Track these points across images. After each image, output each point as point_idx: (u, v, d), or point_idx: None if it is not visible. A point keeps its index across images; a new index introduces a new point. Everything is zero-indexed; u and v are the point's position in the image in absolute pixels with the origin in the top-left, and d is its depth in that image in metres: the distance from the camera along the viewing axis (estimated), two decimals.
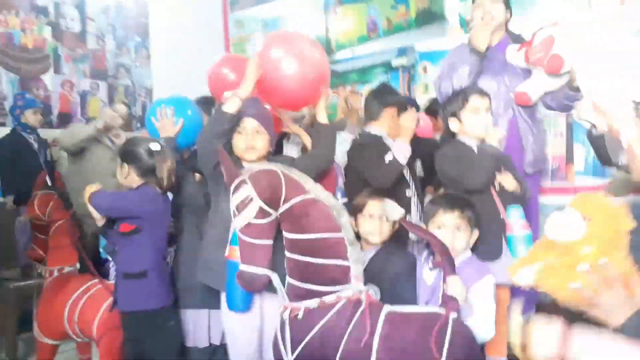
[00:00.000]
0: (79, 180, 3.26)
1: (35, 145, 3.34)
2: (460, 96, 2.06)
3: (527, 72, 2.23)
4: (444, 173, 2.06)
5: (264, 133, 1.81)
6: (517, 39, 2.33)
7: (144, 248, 1.91)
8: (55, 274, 2.38)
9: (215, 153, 1.70)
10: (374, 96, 2.38)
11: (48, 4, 3.85)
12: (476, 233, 1.80)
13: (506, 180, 1.96)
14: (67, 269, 2.39)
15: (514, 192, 1.96)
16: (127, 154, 1.96)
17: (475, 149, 2.01)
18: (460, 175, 1.97)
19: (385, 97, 2.34)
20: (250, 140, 1.77)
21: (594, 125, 1.97)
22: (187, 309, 2.03)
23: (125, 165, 1.96)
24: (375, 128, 2.32)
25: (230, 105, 1.74)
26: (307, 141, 2.13)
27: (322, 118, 1.93)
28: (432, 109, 3.13)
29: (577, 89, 2.09)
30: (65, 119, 3.93)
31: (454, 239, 1.73)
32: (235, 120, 1.75)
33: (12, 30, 3.62)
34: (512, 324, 0.98)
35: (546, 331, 0.92)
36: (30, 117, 3.26)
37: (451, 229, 1.74)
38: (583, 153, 3.73)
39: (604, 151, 2.01)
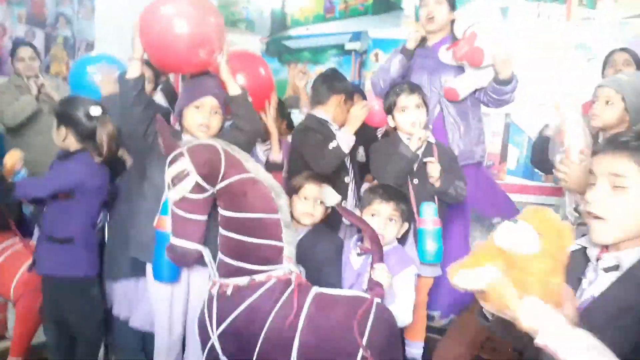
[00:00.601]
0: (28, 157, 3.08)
1: None
2: (390, 95, 2.13)
3: (462, 71, 2.32)
4: (370, 164, 2.19)
5: (220, 114, 1.78)
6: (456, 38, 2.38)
7: (73, 215, 1.83)
8: None
9: (139, 122, 1.69)
10: (322, 81, 2.39)
11: None
12: (406, 226, 1.88)
13: (432, 167, 2.02)
14: None
15: (434, 187, 2.02)
16: (65, 117, 1.84)
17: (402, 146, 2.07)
18: (375, 168, 2.13)
19: (333, 83, 2.36)
20: (207, 118, 1.73)
21: (547, 125, 2.11)
22: (116, 279, 1.97)
23: (63, 128, 1.85)
24: (321, 112, 2.34)
25: (131, 70, 1.71)
26: (275, 145, 2.25)
27: (231, 88, 1.80)
28: None
29: (503, 82, 2.20)
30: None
31: (386, 228, 1.79)
32: (142, 83, 1.71)
33: None
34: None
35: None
36: None
37: (384, 218, 1.80)
38: (516, 153, 3.94)
39: (540, 152, 2.14)
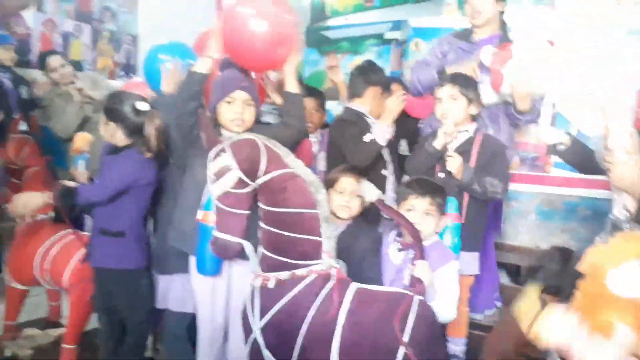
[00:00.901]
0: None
1: (9, 85, 3.22)
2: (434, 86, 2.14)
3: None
4: None
5: (252, 106, 1.79)
6: (507, 38, 2.31)
7: (125, 209, 1.88)
8: (28, 219, 2.36)
9: (190, 115, 1.70)
10: (358, 72, 2.37)
11: None
12: (444, 219, 1.85)
13: (451, 162, 1.97)
14: (40, 217, 2.37)
15: (457, 185, 1.97)
16: (113, 112, 1.87)
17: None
18: (406, 160, 2.15)
19: (369, 76, 2.34)
20: (239, 112, 1.75)
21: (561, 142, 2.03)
22: (162, 274, 1.99)
23: (111, 123, 1.89)
24: (358, 105, 2.33)
25: (201, 65, 1.73)
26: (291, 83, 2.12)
27: (290, 85, 1.83)
28: None
29: (520, 112, 2.17)
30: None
31: (423, 223, 1.76)
32: (206, 81, 1.74)
33: None
34: (525, 304, 0.95)
35: (562, 319, 0.91)
36: (2, 54, 3.11)
37: (421, 213, 1.78)
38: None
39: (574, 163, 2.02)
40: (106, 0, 4.21)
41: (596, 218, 3.65)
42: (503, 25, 2.36)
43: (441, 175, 2.02)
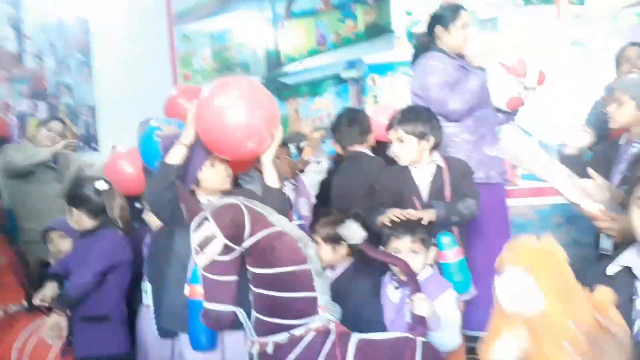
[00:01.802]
0: (26, 204, 3.12)
1: None
2: None
3: None
4: None
5: (227, 161, 1.78)
6: None
7: (107, 291, 1.84)
8: (1, 313, 2.24)
9: (168, 202, 1.67)
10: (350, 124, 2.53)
11: None
12: (433, 249, 1.83)
13: (413, 215, 1.86)
14: (13, 308, 2.25)
15: (439, 224, 1.91)
16: (74, 198, 1.90)
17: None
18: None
19: (363, 125, 2.53)
20: (224, 169, 1.75)
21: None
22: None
23: (74, 210, 1.88)
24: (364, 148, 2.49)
25: (175, 155, 1.68)
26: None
27: (268, 178, 1.77)
28: None
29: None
30: (2, 143, 3.70)
31: (410, 262, 1.72)
32: (181, 171, 1.69)
33: None
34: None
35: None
36: None
37: (406, 253, 1.76)
38: None
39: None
40: (60, 75, 4.18)
41: (570, 223, 3.75)
42: None
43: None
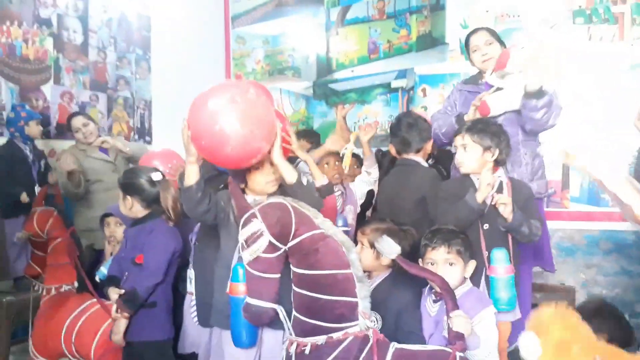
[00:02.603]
0: (90, 199, 3.30)
1: (31, 157, 3.31)
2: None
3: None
4: (438, 204, 2.15)
5: None
6: None
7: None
8: (53, 292, 2.36)
9: (205, 213, 1.72)
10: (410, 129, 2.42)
11: (51, 15, 3.84)
12: (472, 263, 1.81)
13: (503, 206, 1.87)
14: (64, 288, 2.37)
15: (506, 223, 1.91)
16: (129, 186, 1.97)
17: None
18: (440, 211, 2.07)
19: (422, 132, 2.42)
20: (271, 173, 1.77)
21: None
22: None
23: (129, 197, 1.96)
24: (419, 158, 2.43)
25: (190, 176, 1.69)
26: (315, 170, 2.07)
27: (286, 174, 1.72)
28: None
29: (532, 95, 2.14)
30: (63, 130, 3.90)
31: (447, 274, 1.71)
32: (202, 183, 1.70)
33: (15, 41, 3.60)
34: None
35: None
36: (34, 128, 3.24)
37: (442, 264, 1.75)
38: (579, 179, 3.79)
39: None
40: (120, 69, 4.36)
41: (619, 251, 3.60)
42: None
43: (486, 226, 1.96)
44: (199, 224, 2.06)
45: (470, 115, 2.31)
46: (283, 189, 1.81)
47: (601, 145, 3.58)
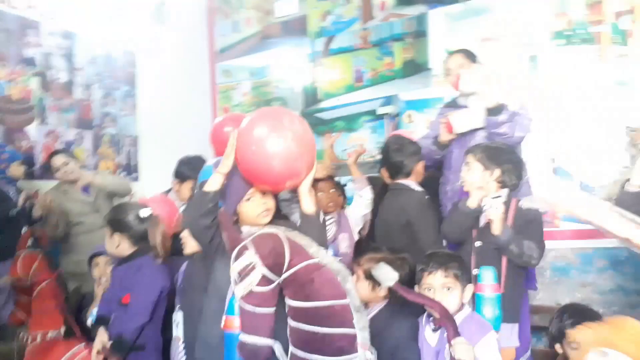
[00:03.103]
0: (74, 243, 3.22)
1: (15, 199, 3.24)
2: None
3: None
4: None
5: (270, 192, 1.76)
6: None
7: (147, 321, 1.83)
8: (39, 339, 2.26)
9: (206, 229, 1.67)
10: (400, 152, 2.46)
11: (36, 55, 3.83)
12: (470, 287, 1.78)
13: (492, 212, 1.91)
14: (51, 334, 2.27)
15: (494, 244, 1.92)
16: (116, 223, 1.92)
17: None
18: (443, 224, 2.16)
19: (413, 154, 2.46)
20: (263, 203, 1.72)
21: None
22: None
23: (116, 235, 1.91)
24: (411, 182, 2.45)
25: (213, 183, 1.67)
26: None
27: (305, 205, 1.70)
28: None
29: (492, 112, 2.23)
30: (48, 170, 3.84)
31: (445, 299, 1.69)
32: (218, 197, 1.68)
33: None
34: None
35: None
36: (15, 169, 3.19)
37: (440, 289, 1.71)
38: None
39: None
40: (106, 106, 4.35)
41: (613, 268, 3.58)
42: None
43: (478, 243, 1.97)
44: (185, 264, 2.00)
45: (442, 136, 2.43)
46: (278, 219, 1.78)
47: (589, 163, 3.61)
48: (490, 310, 1.80)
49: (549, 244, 3.53)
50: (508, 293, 1.90)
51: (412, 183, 2.42)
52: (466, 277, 1.77)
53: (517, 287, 2.03)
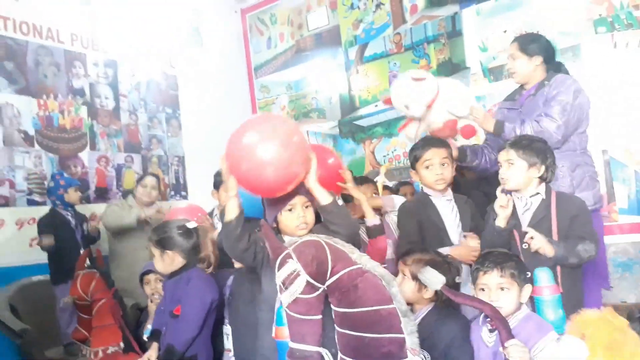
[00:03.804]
0: (120, 259, 3.43)
1: (73, 222, 3.41)
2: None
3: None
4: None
5: (310, 206, 1.76)
6: (543, 83, 2.38)
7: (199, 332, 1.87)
8: (100, 354, 2.36)
9: (244, 252, 1.69)
10: None
11: (84, 84, 4.04)
12: (528, 287, 1.71)
13: (534, 243, 1.82)
14: (111, 349, 2.37)
15: (551, 261, 1.82)
16: (166, 241, 1.95)
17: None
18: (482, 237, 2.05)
19: None
20: (302, 216, 1.73)
21: None
22: None
23: (168, 252, 1.95)
24: None
25: (230, 211, 1.67)
26: (367, 209, 2.12)
27: (321, 198, 1.68)
28: None
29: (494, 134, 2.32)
30: (102, 193, 4.03)
31: (500, 299, 1.63)
32: (243, 218, 1.68)
33: (52, 113, 3.80)
34: None
35: None
36: (73, 195, 3.37)
37: (495, 289, 1.66)
38: (625, 190, 3.63)
39: None
40: (152, 129, 4.51)
41: None
42: (549, 69, 2.41)
43: (525, 245, 1.87)
44: (232, 277, 2.04)
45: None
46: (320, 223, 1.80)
47: None
48: (552, 313, 1.72)
49: (608, 239, 3.42)
50: (567, 292, 1.81)
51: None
52: (523, 277, 1.70)
53: (577, 284, 1.93)
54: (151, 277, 2.39)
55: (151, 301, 2.42)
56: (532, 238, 1.82)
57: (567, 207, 1.93)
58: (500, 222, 1.90)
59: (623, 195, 3.64)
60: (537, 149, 1.94)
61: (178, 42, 4.78)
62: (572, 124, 2.24)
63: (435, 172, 2.15)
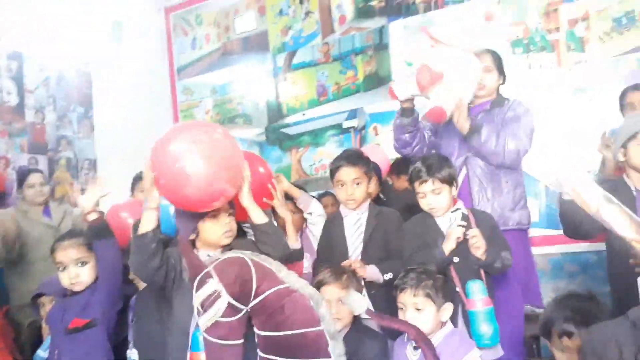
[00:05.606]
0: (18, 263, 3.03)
1: None
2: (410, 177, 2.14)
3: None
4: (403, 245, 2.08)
5: (233, 214, 1.70)
6: (500, 101, 2.43)
7: (99, 345, 1.70)
8: None
9: (157, 270, 1.57)
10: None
11: None
12: (447, 307, 1.69)
13: (475, 240, 1.84)
14: None
15: (478, 262, 1.86)
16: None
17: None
18: (407, 252, 2.02)
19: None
20: (227, 224, 1.65)
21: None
22: None
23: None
24: None
25: (147, 222, 1.58)
26: (291, 231, 2.07)
27: (254, 216, 1.67)
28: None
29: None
30: (0, 198, 3.63)
31: (417, 320, 1.61)
32: (159, 233, 1.59)
33: None
34: None
35: None
36: None
37: (411, 309, 1.64)
38: (536, 204, 3.82)
39: (571, 221, 1.95)
40: (61, 129, 4.16)
41: (584, 272, 3.61)
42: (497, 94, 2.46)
43: (456, 260, 1.89)
44: (134, 297, 1.88)
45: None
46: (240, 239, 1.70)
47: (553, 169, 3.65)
48: (486, 325, 1.74)
49: None
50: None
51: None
52: (442, 295, 1.68)
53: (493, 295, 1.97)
54: (45, 299, 2.13)
55: (46, 323, 2.16)
56: (474, 236, 1.83)
57: (483, 220, 1.98)
58: (447, 250, 1.88)
59: (534, 209, 3.83)
60: (451, 169, 1.99)
61: (94, 36, 4.45)
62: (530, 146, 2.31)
63: (346, 191, 2.13)
